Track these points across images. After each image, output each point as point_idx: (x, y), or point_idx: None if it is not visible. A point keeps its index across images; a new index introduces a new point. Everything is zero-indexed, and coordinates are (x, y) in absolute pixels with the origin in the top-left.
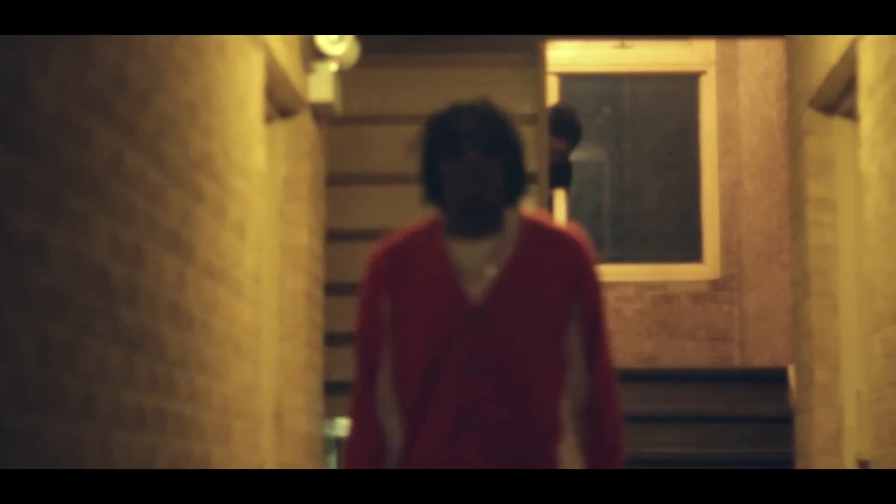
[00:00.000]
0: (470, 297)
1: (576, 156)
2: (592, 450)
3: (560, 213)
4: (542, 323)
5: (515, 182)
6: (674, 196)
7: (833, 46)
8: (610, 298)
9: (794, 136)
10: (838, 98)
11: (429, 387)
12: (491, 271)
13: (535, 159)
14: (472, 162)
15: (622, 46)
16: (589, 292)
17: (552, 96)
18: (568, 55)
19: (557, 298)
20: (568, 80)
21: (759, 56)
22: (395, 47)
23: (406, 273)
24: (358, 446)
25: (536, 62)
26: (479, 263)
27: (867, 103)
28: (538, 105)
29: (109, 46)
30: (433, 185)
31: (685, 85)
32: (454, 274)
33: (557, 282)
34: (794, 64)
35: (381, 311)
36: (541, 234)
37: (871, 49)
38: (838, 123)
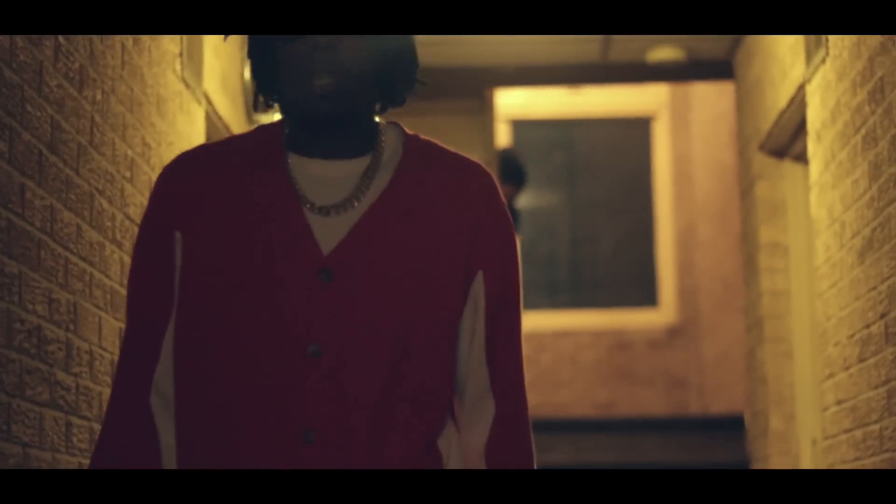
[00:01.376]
0: (320, 245)
1: (529, 202)
2: None
3: None
4: (429, 293)
5: (398, 77)
6: (629, 242)
7: (781, 90)
8: (566, 346)
9: (744, 181)
10: (788, 142)
11: (244, 379)
12: (355, 208)
13: None
14: (320, 42)
15: (573, 92)
16: (498, 254)
17: (503, 143)
18: (518, 101)
19: (453, 258)
20: (519, 126)
21: (711, 99)
22: None
23: (214, 201)
24: (110, 454)
25: (485, 109)
26: (337, 193)
27: (815, 147)
28: (488, 152)
29: (42, 105)
30: (267, 79)
31: (638, 129)
32: (296, 207)
33: (455, 232)
34: (743, 108)
35: (167, 256)
36: (434, 159)
37: (818, 93)
38: (789, 167)
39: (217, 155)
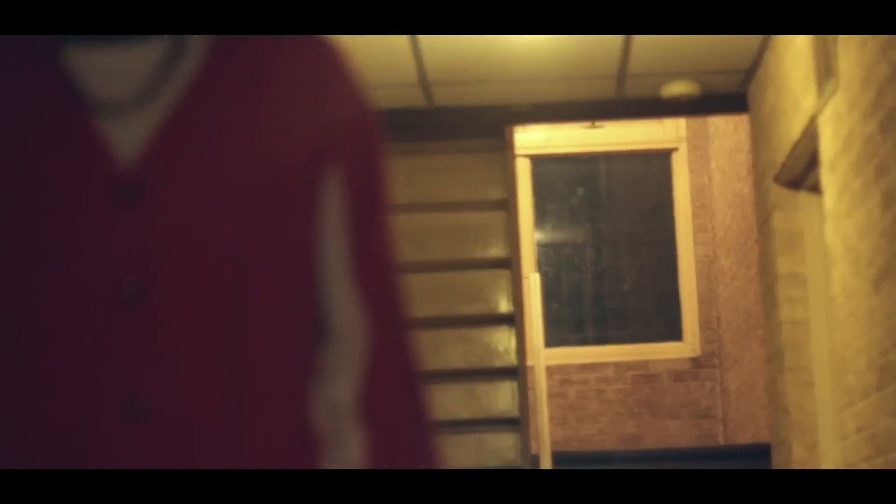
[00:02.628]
0: (118, 153)
1: (552, 237)
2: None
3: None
4: (271, 205)
5: None
6: (652, 274)
7: (794, 121)
8: (591, 380)
9: (761, 212)
10: (803, 173)
11: (45, 344)
12: (158, 102)
13: (507, 244)
14: None
15: (593, 126)
16: (356, 144)
17: (524, 179)
18: (539, 137)
19: (297, 155)
20: (540, 161)
21: (728, 131)
22: None
23: None
24: None
25: (504, 146)
26: (131, 86)
27: (829, 178)
28: (508, 190)
29: None
30: None
31: (658, 162)
32: (78, 108)
33: (295, 122)
34: (757, 140)
35: None
36: (259, 41)
37: (830, 124)
38: (804, 198)
39: None
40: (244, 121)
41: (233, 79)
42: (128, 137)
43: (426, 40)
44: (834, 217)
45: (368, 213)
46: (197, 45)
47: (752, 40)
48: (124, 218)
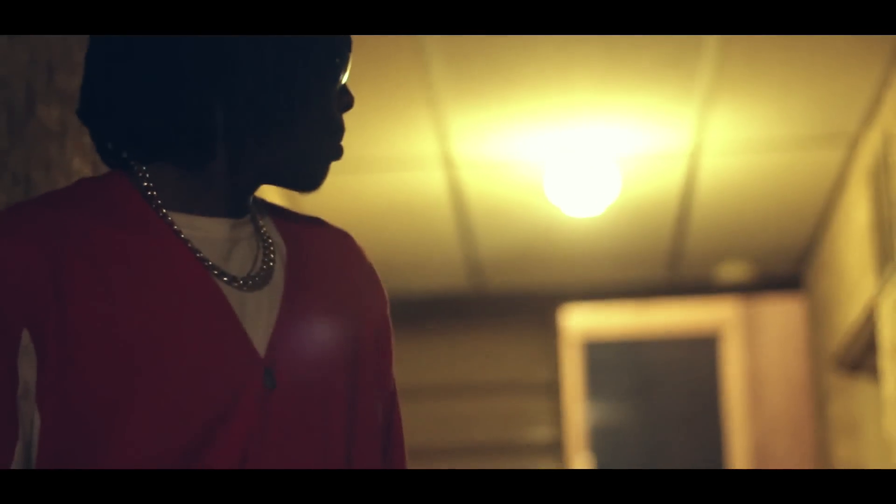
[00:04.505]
0: (251, 334)
1: (601, 422)
2: None
3: None
4: (359, 398)
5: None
6: (703, 457)
7: (851, 305)
8: None
9: (818, 398)
10: (861, 358)
11: None
12: (273, 278)
13: (555, 427)
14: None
15: (642, 312)
16: (390, 338)
17: (572, 363)
18: (588, 317)
19: (361, 346)
20: (589, 342)
21: (780, 312)
22: (409, 318)
23: (80, 279)
24: None
25: (554, 328)
26: (243, 259)
27: (889, 365)
28: (554, 372)
29: None
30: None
31: (708, 342)
32: (206, 278)
33: (359, 308)
34: (813, 323)
35: (5, 369)
36: (297, 220)
37: (890, 310)
38: (862, 384)
39: (63, 218)
40: (331, 303)
41: (310, 264)
42: (256, 317)
43: (479, 228)
44: (892, 405)
45: (396, 407)
46: (267, 223)
47: (808, 222)
48: (264, 406)
